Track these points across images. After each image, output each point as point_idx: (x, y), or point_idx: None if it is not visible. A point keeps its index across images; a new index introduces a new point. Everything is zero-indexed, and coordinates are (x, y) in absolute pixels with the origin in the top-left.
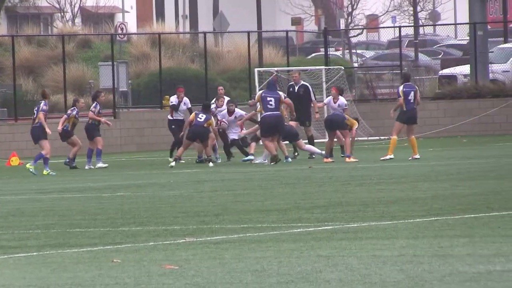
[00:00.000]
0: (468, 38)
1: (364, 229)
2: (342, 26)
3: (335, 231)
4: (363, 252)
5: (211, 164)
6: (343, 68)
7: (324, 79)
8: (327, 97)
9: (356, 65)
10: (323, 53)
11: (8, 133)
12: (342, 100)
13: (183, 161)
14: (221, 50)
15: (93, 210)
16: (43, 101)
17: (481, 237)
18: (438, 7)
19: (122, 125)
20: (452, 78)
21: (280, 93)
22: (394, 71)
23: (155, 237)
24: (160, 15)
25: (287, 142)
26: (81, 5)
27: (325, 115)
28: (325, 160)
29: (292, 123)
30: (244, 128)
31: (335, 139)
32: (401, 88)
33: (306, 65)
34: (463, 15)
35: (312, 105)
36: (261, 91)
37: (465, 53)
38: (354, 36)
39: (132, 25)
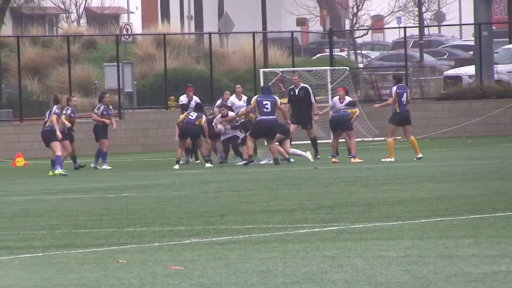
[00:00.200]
0: (473, 38)
1: (370, 229)
2: (347, 27)
3: (341, 232)
4: (369, 253)
5: (207, 165)
6: (348, 68)
7: (329, 80)
8: (332, 97)
9: (361, 65)
10: (328, 53)
11: (14, 133)
12: (348, 99)
13: (182, 162)
14: (226, 50)
15: (98, 210)
16: (55, 105)
17: (487, 237)
18: (443, 7)
19: (127, 125)
20: (457, 78)
21: (276, 98)
22: (399, 72)
23: (160, 237)
24: (165, 15)
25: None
26: (86, 5)
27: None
28: (333, 160)
29: (293, 127)
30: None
31: (343, 140)
32: (394, 89)
33: (311, 65)
34: (468, 16)
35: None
36: (256, 96)
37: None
38: (359, 36)
39: (137, 26)
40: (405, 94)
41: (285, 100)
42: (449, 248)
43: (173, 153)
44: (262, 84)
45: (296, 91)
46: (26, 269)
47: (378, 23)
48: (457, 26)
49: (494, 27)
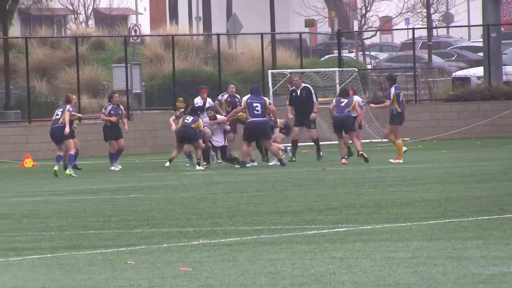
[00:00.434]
0: (481, 40)
1: (378, 231)
2: (356, 28)
3: (349, 233)
4: (377, 254)
5: (198, 167)
6: (356, 70)
7: (337, 81)
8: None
9: (369, 67)
10: (337, 55)
11: (22, 134)
12: (357, 98)
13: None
14: (235, 52)
15: (106, 212)
16: (68, 105)
17: (495, 239)
18: (452, 9)
19: (136, 127)
20: (466, 80)
21: (265, 98)
22: (407, 73)
23: (168, 239)
24: (174, 17)
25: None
26: (95, 6)
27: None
28: (343, 161)
29: (297, 129)
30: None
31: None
32: (392, 90)
33: (319, 67)
34: (477, 17)
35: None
36: (246, 97)
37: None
38: (368, 38)
39: (145, 27)
40: (401, 94)
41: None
42: (457, 250)
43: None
44: (270, 86)
45: (298, 91)
46: (34, 270)
47: (386, 25)
48: (465, 27)
49: (502, 29)
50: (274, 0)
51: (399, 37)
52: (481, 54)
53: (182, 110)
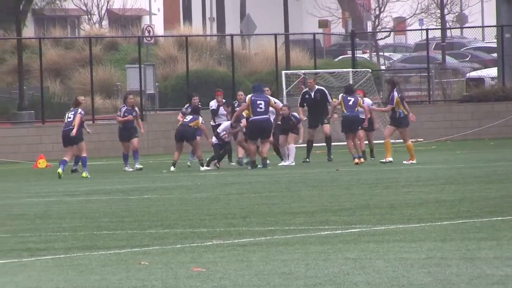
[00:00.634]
0: (495, 40)
1: (392, 231)
2: (370, 29)
3: (363, 234)
4: (391, 255)
5: (202, 168)
6: (370, 70)
7: (351, 82)
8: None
9: (383, 67)
10: (351, 55)
11: (36, 135)
12: (367, 101)
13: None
14: (248, 52)
15: (120, 212)
16: (79, 108)
17: (509, 239)
18: (466, 9)
19: (149, 127)
20: (480, 80)
21: (270, 97)
22: (421, 74)
23: (182, 239)
24: (187, 17)
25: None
26: (108, 7)
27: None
28: (355, 161)
29: (311, 132)
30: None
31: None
32: (396, 94)
33: (333, 67)
34: (491, 18)
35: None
36: (250, 95)
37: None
38: (382, 38)
39: (159, 28)
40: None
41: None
42: (471, 250)
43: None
44: (284, 86)
45: (312, 94)
46: (48, 271)
47: (400, 25)
48: (479, 28)
49: None
50: (288, 0)
51: (413, 38)
52: (495, 54)
53: (187, 105)
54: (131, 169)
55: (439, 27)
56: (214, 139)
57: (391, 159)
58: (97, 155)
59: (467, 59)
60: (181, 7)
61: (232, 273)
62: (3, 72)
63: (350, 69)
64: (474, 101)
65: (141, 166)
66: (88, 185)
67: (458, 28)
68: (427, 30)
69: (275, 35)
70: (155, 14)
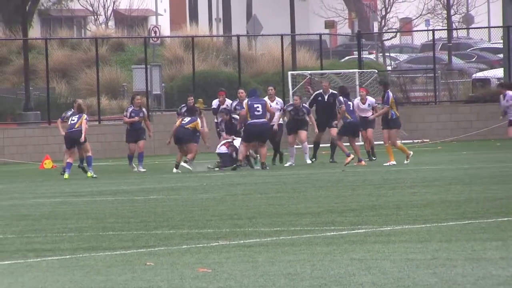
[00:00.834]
0: (501, 41)
1: (397, 232)
2: (376, 29)
3: (368, 235)
4: (396, 256)
5: (185, 164)
6: (376, 71)
7: (357, 83)
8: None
9: (389, 68)
10: (357, 56)
11: (42, 136)
12: (370, 99)
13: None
14: (255, 53)
15: (126, 213)
16: (84, 114)
17: None
18: (472, 10)
19: (156, 128)
20: (486, 81)
21: (265, 100)
22: (427, 75)
23: (188, 240)
24: (194, 18)
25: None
26: (115, 8)
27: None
28: (356, 163)
29: (319, 134)
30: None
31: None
32: (391, 95)
33: (339, 68)
34: (497, 19)
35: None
36: (246, 100)
37: None
38: (388, 39)
39: (165, 28)
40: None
41: None
42: (477, 251)
43: (201, 156)
44: (290, 87)
45: (326, 97)
46: (54, 272)
47: (406, 26)
48: (485, 28)
49: None
50: (294, 1)
51: (419, 39)
52: (501, 55)
53: (183, 105)
54: (137, 170)
55: (445, 27)
56: (224, 148)
57: (394, 162)
58: (103, 155)
59: (473, 59)
60: (188, 7)
61: (238, 273)
62: (9, 72)
63: (356, 70)
64: (480, 102)
65: (144, 170)
66: (94, 185)
67: (464, 28)
68: (433, 30)
69: (281, 35)
70: (161, 15)
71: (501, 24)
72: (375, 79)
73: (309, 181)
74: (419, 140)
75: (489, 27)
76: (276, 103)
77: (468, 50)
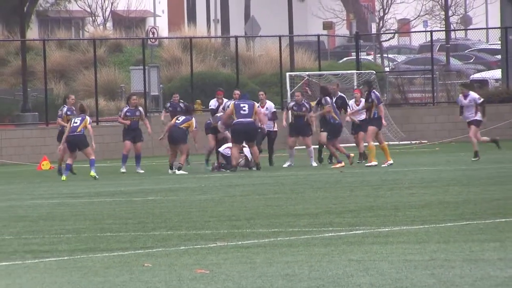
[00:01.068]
0: (499, 42)
1: (395, 233)
2: (374, 31)
3: (366, 236)
4: (394, 257)
5: (178, 171)
6: (374, 72)
7: (355, 84)
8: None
9: (387, 69)
10: (355, 57)
11: (39, 137)
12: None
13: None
14: (253, 54)
15: (124, 214)
16: (86, 115)
17: None
18: (470, 11)
19: (153, 129)
20: (484, 82)
21: (254, 102)
22: (425, 76)
23: (186, 241)
24: (192, 19)
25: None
26: (112, 9)
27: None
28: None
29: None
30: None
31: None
32: (378, 94)
33: (337, 69)
34: (495, 20)
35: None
36: (232, 101)
37: None
38: (386, 40)
39: (163, 29)
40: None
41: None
42: (475, 252)
43: (199, 157)
44: (288, 88)
45: (334, 99)
46: (51, 273)
47: (404, 27)
48: (483, 30)
49: None
50: (293, 2)
51: (417, 40)
52: (499, 56)
53: (169, 104)
54: (140, 171)
55: (443, 29)
56: (228, 151)
57: (376, 163)
58: (101, 157)
59: (471, 60)
60: (186, 8)
61: (236, 275)
62: (7, 73)
63: (355, 71)
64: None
65: (143, 171)
66: (92, 187)
67: (462, 30)
68: (431, 32)
69: (280, 36)
70: (159, 16)
71: (499, 25)
72: (373, 80)
73: (307, 182)
74: (417, 141)
75: (487, 28)
76: (266, 108)
77: (466, 51)
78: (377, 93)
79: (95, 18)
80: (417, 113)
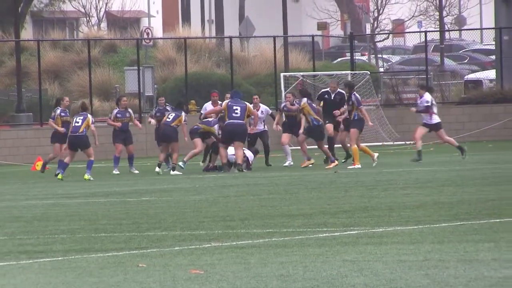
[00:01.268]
0: (493, 43)
1: (390, 233)
2: (368, 31)
3: (361, 236)
4: (389, 257)
5: (172, 172)
6: (369, 73)
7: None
8: None
9: (382, 70)
10: (349, 58)
11: (34, 137)
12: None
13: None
14: (247, 54)
15: (118, 215)
16: (88, 114)
17: (507, 241)
18: (464, 12)
19: (148, 129)
20: (478, 83)
21: (247, 103)
22: (419, 76)
23: (180, 241)
24: (186, 19)
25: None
26: (107, 9)
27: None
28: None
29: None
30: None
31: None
32: (359, 97)
33: (332, 70)
34: (489, 20)
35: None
36: (227, 100)
37: None
38: (380, 41)
39: (158, 30)
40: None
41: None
42: (469, 252)
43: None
44: (282, 88)
45: (332, 95)
46: (46, 273)
47: (399, 27)
48: (478, 30)
49: None
50: (287, 3)
51: (412, 40)
52: (493, 57)
53: (156, 108)
54: (135, 171)
55: (438, 29)
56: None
57: (359, 166)
58: (95, 157)
59: (466, 61)
60: (180, 9)
61: (230, 275)
62: (1, 74)
63: (349, 71)
64: (473, 103)
65: (137, 171)
66: (86, 187)
67: (456, 30)
68: (425, 32)
69: (274, 37)
70: (154, 16)
71: (493, 26)
72: (367, 80)
73: (301, 182)
74: (412, 142)
75: (481, 29)
76: (261, 111)
77: (460, 52)
78: (357, 95)
79: (89, 18)
80: (411, 113)
